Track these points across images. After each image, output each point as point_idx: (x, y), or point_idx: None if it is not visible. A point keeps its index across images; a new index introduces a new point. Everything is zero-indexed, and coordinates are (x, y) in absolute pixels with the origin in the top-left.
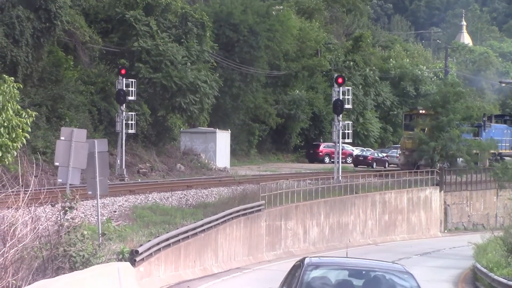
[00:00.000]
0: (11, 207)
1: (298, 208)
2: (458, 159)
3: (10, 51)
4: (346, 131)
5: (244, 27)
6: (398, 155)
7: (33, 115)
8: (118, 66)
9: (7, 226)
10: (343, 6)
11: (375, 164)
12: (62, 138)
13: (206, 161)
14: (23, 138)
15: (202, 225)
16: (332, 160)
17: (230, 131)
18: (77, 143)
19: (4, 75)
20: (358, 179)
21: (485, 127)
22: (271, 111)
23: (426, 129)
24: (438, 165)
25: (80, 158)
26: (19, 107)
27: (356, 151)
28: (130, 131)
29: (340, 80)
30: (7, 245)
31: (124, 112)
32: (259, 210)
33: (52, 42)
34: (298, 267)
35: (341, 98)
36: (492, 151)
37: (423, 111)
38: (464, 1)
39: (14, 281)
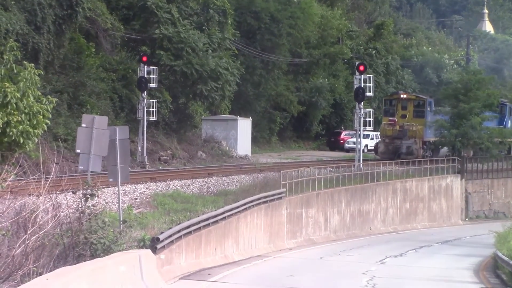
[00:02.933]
0: (33, 194)
1: (319, 196)
2: (442, 148)
3: (32, 38)
4: (368, 119)
5: (265, 15)
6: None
7: (54, 101)
8: (140, 54)
9: (28, 213)
10: None
11: None
12: (83, 125)
13: (227, 148)
14: (44, 125)
15: (223, 213)
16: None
17: (251, 119)
18: (99, 130)
19: (25, 62)
20: (379, 167)
21: None
22: (293, 99)
23: (408, 114)
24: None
25: (101, 145)
26: (39, 93)
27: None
28: (151, 118)
29: (361, 68)
30: (28, 232)
31: (145, 100)
32: (280, 197)
33: (74, 29)
34: None
35: (362, 86)
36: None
37: (404, 96)
38: None
39: (35, 268)
